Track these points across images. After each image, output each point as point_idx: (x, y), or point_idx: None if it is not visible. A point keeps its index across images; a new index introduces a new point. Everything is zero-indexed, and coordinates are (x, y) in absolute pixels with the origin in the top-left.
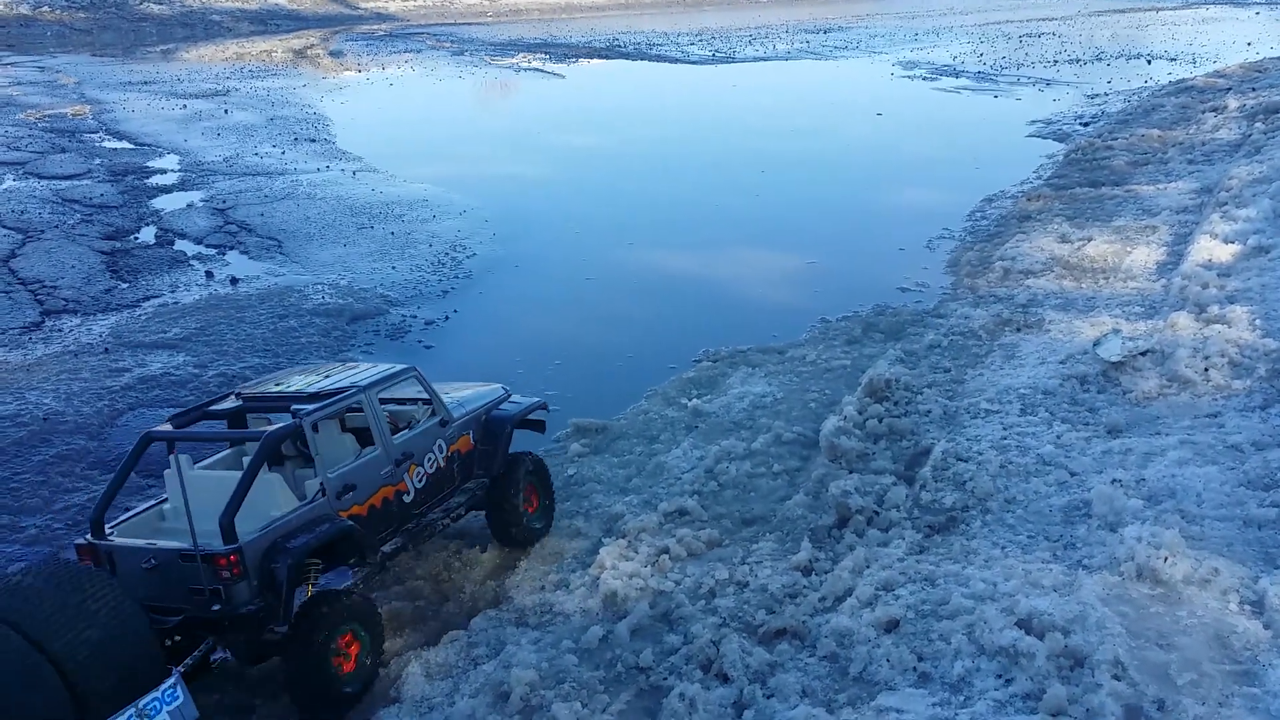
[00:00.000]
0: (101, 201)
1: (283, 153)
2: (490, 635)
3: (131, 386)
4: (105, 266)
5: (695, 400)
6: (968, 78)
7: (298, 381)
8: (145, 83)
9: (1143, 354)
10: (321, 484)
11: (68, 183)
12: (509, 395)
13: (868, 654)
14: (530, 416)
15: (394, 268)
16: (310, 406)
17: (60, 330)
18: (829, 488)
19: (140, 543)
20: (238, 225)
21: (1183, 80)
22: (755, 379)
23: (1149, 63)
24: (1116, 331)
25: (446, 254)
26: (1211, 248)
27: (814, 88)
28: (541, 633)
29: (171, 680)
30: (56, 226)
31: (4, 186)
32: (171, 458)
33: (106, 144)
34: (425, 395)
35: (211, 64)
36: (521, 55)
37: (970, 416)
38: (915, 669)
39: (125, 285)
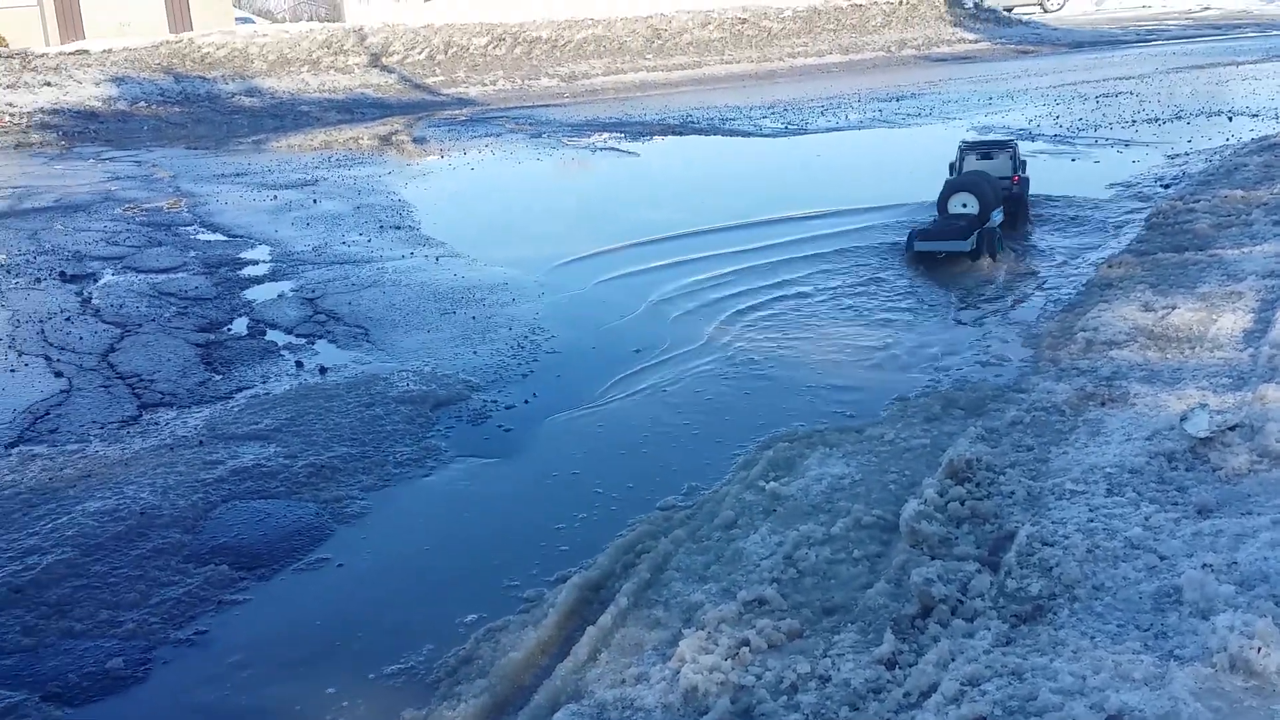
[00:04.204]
0: (196, 294)
1: (369, 240)
2: None
3: (225, 479)
4: (200, 359)
5: (772, 483)
6: (1044, 140)
7: (985, 139)
8: (237, 175)
9: (1231, 429)
10: (1012, 163)
11: (164, 276)
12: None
13: None
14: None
15: (475, 352)
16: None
17: (157, 424)
18: (911, 575)
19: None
20: (326, 314)
21: (1266, 137)
22: (833, 460)
23: (1230, 119)
24: (1204, 405)
25: (526, 337)
26: None
27: (889, 155)
28: None
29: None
30: (153, 320)
31: (103, 281)
32: (969, 157)
33: (201, 236)
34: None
35: (301, 153)
36: (597, 135)
37: (1055, 498)
38: None
39: (219, 377)
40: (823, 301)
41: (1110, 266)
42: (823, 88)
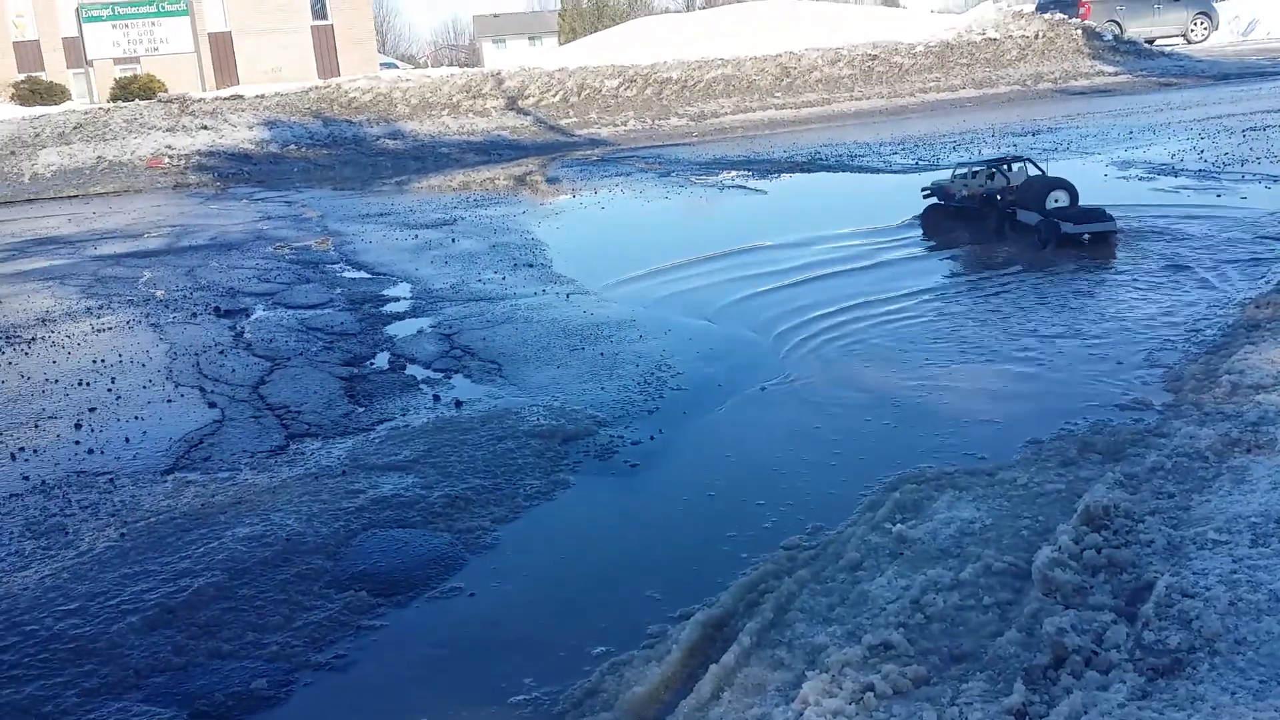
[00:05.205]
0: (341, 329)
1: (503, 279)
2: None
3: (365, 508)
4: (344, 391)
5: (899, 525)
6: (1187, 176)
7: (991, 157)
8: (381, 214)
9: None
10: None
11: (311, 311)
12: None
13: None
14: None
15: (603, 388)
16: (1023, 158)
17: (303, 453)
18: (1043, 624)
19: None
20: (462, 350)
21: None
22: (963, 503)
23: None
24: None
25: (652, 373)
26: None
27: None
28: None
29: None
30: (301, 354)
31: (255, 316)
32: (1025, 165)
33: (346, 274)
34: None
35: (441, 194)
36: (725, 172)
37: (1196, 547)
38: None
39: (361, 410)
40: (947, 328)
41: (1257, 307)
42: (955, 123)
